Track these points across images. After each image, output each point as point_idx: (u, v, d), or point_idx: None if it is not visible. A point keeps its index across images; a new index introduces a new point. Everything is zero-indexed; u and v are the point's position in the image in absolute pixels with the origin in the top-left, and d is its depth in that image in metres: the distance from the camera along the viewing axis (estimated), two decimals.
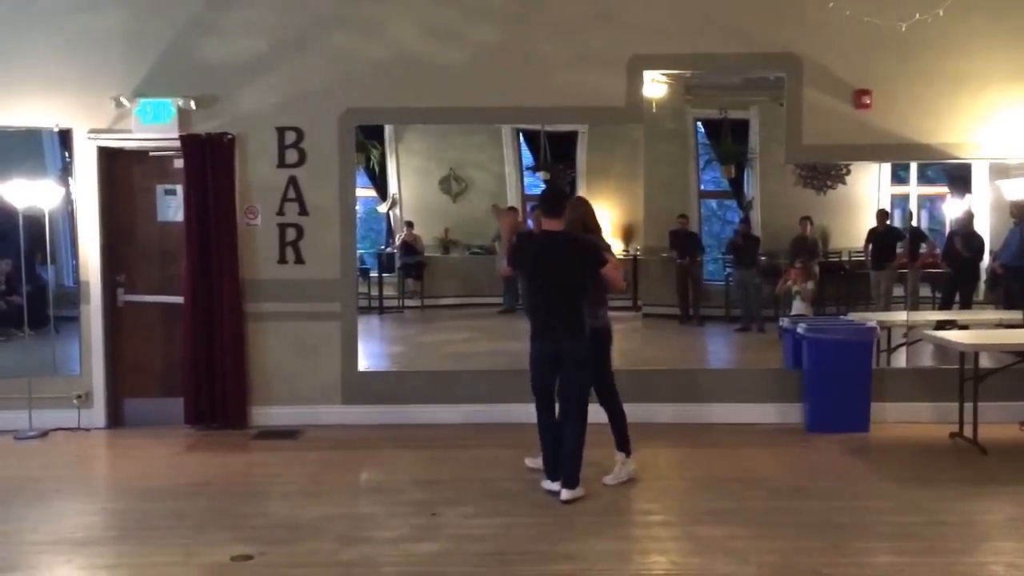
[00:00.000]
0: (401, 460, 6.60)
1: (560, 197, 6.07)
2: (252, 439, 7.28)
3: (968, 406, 6.78)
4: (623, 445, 5.93)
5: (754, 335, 8.99)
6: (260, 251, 7.53)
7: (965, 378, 6.84)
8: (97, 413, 7.58)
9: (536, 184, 9.56)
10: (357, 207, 7.93)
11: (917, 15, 6.58)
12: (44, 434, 7.34)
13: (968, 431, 6.80)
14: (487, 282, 9.42)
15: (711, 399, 7.54)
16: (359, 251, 8.09)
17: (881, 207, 8.66)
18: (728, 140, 9.12)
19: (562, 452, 5.62)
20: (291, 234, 7.53)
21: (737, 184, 9.35)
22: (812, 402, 7.30)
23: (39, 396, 7.37)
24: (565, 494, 5.54)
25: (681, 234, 8.86)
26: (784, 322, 7.94)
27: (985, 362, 6.98)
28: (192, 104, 7.36)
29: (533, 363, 5.70)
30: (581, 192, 9.05)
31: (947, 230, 8.78)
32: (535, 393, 5.73)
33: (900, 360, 8.14)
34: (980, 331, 7.65)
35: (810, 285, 8.44)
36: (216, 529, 5.17)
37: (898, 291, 8.67)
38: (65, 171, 7.56)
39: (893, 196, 8.78)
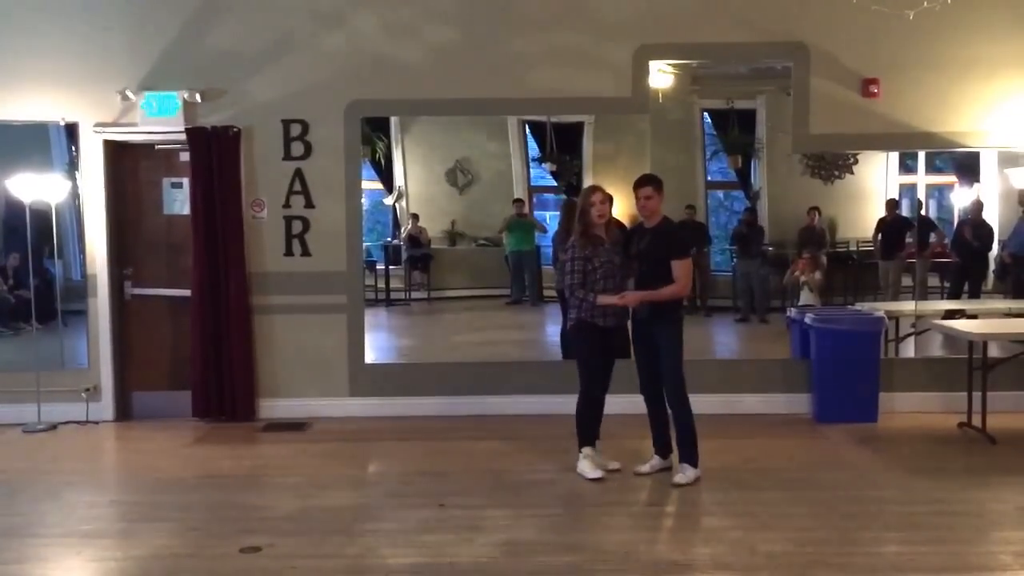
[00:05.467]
0: (408, 452, 6.61)
1: None
2: (260, 431, 7.30)
3: (977, 395, 6.76)
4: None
5: (760, 326, 8.97)
6: (266, 244, 7.54)
7: (974, 367, 6.82)
8: (105, 406, 7.60)
9: (543, 176, 9.53)
10: (363, 199, 7.93)
11: (925, 3, 6.52)
12: (53, 427, 7.36)
13: (977, 420, 6.77)
14: (494, 274, 9.41)
15: (718, 390, 7.52)
16: (365, 243, 8.09)
17: (890, 197, 8.63)
18: (735, 130, 9.07)
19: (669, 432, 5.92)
20: (297, 227, 7.54)
21: (744, 174, 9.31)
22: (820, 392, 7.28)
23: (47, 389, 7.39)
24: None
25: (688, 224, 8.83)
26: (792, 312, 7.91)
27: (994, 351, 6.95)
28: (198, 97, 7.36)
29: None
30: (588, 183, 9.03)
31: (955, 219, 8.74)
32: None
33: (908, 350, 8.12)
34: (989, 320, 7.62)
35: (818, 275, 8.42)
36: (224, 521, 5.18)
37: (906, 281, 8.64)
38: (71, 165, 7.57)
39: (901, 186, 8.73)
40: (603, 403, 5.97)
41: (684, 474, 5.74)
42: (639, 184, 5.78)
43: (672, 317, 5.77)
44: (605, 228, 5.84)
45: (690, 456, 5.78)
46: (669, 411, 5.85)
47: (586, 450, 5.87)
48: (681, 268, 5.68)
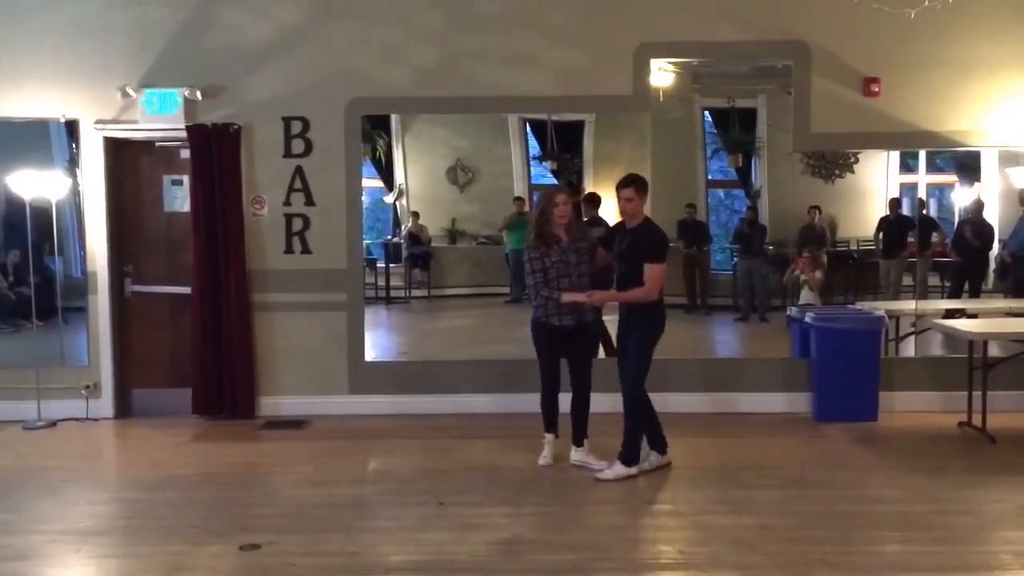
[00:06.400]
0: (408, 450, 6.61)
1: None
2: (259, 429, 7.30)
3: (977, 395, 6.76)
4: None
5: (761, 325, 8.97)
6: (267, 241, 7.53)
7: (974, 367, 6.82)
8: (105, 403, 7.60)
9: (543, 174, 9.53)
10: (363, 197, 7.93)
11: (926, 1, 6.52)
12: (53, 424, 7.37)
13: (977, 420, 6.77)
14: (494, 272, 9.42)
15: (718, 388, 7.53)
16: (365, 241, 8.08)
17: (891, 196, 8.63)
18: (735, 129, 9.08)
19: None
20: (297, 224, 7.53)
21: (744, 173, 9.31)
22: (820, 391, 7.28)
23: (47, 386, 7.39)
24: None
25: (688, 223, 8.84)
26: (792, 311, 7.92)
27: (994, 351, 6.95)
28: (198, 94, 7.35)
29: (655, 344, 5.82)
30: (588, 181, 9.05)
31: (956, 219, 8.74)
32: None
33: (909, 349, 8.12)
34: (989, 320, 7.62)
35: (818, 274, 8.42)
36: (224, 518, 5.18)
37: (906, 280, 8.64)
38: (72, 162, 7.56)
39: (902, 185, 8.73)
40: (588, 401, 6.06)
41: (612, 469, 5.77)
42: (621, 185, 5.78)
43: (648, 318, 5.76)
44: (565, 228, 5.90)
45: (625, 455, 5.79)
46: (648, 407, 5.86)
47: (547, 436, 6.15)
48: (651, 272, 5.65)
